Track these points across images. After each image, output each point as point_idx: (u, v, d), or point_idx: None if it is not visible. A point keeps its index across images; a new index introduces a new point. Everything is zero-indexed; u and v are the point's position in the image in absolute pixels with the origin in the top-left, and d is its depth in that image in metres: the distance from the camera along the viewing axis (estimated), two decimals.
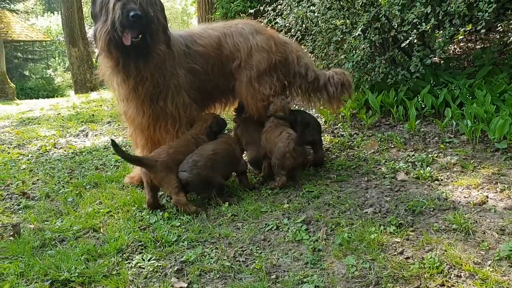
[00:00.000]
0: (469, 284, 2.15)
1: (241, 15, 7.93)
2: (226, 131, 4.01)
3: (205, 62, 3.77)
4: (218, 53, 3.80)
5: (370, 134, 4.61)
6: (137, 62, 3.33)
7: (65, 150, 5.15)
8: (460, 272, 2.24)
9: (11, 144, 5.58)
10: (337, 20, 5.08)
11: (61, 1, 15.81)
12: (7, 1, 26.89)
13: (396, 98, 4.87)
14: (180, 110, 3.62)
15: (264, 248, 2.62)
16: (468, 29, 4.56)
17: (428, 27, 4.23)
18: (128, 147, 4.97)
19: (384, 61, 4.99)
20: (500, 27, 6.11)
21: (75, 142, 5.57)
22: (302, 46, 5.92)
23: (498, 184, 3.21)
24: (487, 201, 2.98)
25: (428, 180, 3.39)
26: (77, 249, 2.69)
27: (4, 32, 20.91)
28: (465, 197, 3.07)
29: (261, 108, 3.83)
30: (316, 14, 5.23)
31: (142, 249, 2.68)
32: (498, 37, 6.30)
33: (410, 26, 4.40)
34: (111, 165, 4.43)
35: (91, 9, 3.41)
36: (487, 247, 2.42)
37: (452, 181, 3.36)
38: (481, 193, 3.11)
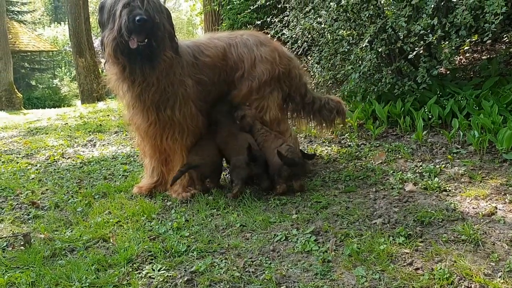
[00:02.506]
0: None
1: (248, 26, 7.99)
2: None
3: (212, 73, 3.81)
4: (223, 63, 3.84)
5: (378, 145, 4.62)
6: (143, 67, 3.36)
7: (73, 160, 5.19)
8: (471, 283, 2.23)
9: (19, 154, 5.63)
10: (344, 31, 5.11)
11: (68, 12, 15.99)
12: (15, 12, 27.24)
13: (403, 108, 4.89)
14: (188, 120, 3.64)
15: (273, 258, 2.62)
16: (474, 39, 4.58)
17: (434, 38, 4.26)
18: (135, 157, 5.00)
19: (390, 72, 5.02)
20: (506, 38, 6.13)
21: (83, 152, 5.61)
22: (309, 57, 5.98)
23: (507, 195, 3.20)
24: (496, 212, 2.98)
25: (436, 191, 3.39)
26: (87, 259, 2.71)
27: (12, 43, 21.10)
28: (473, 208, 3.07)
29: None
30: (323, 26, 5.27)
31: (152, 259, 2.69)
32: (504, 47, 6.31)
33: (416, 38, 4.42)
34: (119, 175, 4.46)
35: (99, 17, 3.48)
36: (497, 259, 2.42)
37: (460, 191, 3.36)
38: (489, 204, 3.11)
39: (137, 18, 3.14)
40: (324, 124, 4.41)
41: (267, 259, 2.62)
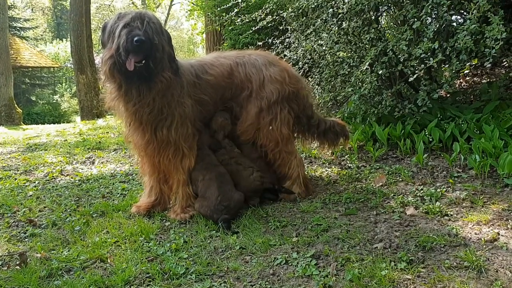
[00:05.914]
0: None
1: (249, 47, 8.06)
2: None
3: (214, 92, 3.80)
4: (229, 82, 3.84)
5: (378, 167, 4.61)
6: (140, 87, 3.36)
7: (71, 177, 5.16)
8: None
9: (18, 170, 5.59)
10: (345, 54, 5.15)
11: (70, 29, 16.13)
12: (18, 28, 27.50)
13: (403, 131, 4.89)
14: (184, 140, 3.62)
15: (273, 283, 2.58)
16: (474, 63, 4.60)
17: (435, 62, 4.28)
18: (134, 175, 4.97)
19: (391, 95, 5.04)
20: (506, 62, 6.18)
21: (82, 169, 5.58)
22: (309, 79, 6.01)
23: (509, 220, 3.17)
24: (499, 238, 2.95)
25: (438, 215, 3.36)
26: (84, 279, 2.66)
27: (13, 58, 21.25)
28: (475, 234, 3.04)
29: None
30: (323, 48, 5.31)
31: (149, 281, 2.65)
32: (504, 72, 6.36)
33: (417, 61, 4.45)
34: (118, 194, 4.42)
35: (101, 37, 3.50)
36: (501, 286, 2.38)
37: (462, 216, 3.33)
38: (492, 229, 3.08)
39: (136, 38, 3.15)
40: (326, 145, 4.48)
41: (266, 283, 2.57)
